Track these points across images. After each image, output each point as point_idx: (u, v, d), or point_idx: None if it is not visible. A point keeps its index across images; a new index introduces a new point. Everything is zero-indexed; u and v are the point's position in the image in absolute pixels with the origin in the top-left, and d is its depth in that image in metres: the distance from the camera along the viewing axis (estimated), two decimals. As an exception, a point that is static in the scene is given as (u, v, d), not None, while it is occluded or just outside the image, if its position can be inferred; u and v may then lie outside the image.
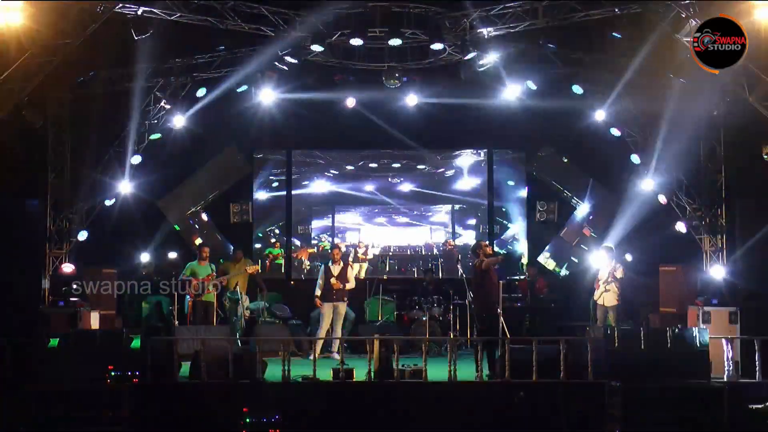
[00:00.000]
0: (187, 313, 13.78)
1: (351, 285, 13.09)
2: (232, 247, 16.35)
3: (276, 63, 13.23)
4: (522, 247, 17.29)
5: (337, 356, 11.97)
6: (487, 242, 12.40)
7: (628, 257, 15.06)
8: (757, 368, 10.47)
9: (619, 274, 13.21)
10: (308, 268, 17.13)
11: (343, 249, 14.70)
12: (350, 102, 13.64)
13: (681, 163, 14.81)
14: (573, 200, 17.39)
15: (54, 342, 10.68)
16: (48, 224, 14.04)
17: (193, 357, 10.73)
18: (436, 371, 10.77)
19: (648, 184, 15.05)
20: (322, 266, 13.41)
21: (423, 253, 17.39)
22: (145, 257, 15.88)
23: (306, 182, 17.48)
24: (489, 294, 11.13)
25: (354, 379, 10.55)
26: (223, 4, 12.46)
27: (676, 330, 10.79)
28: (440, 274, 16.57)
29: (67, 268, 13.39)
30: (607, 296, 13.27)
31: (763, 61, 11.51)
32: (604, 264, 13.41)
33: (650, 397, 9.73)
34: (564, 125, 15.82)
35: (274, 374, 10.59)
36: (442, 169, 17.56)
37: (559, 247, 17.27)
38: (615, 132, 15.12)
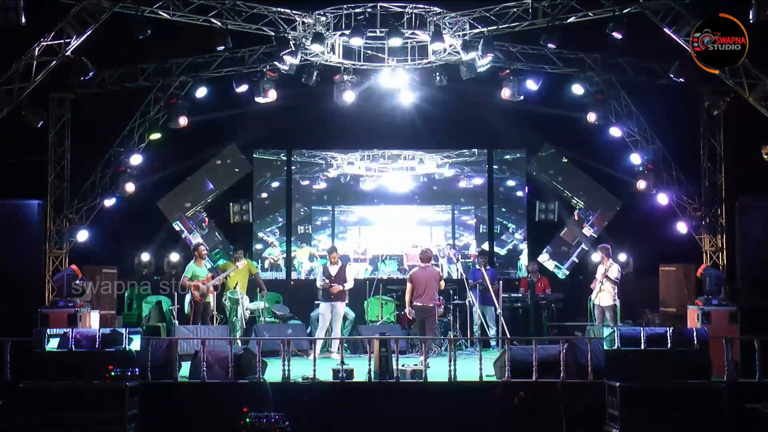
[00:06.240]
0: (187, 314, 13.76)
1: (350, 285, 13.09)
2: (232, 247, 16.35)
3: (276, 63, 13.22)
4: (522, 247, 17.29)
5: (337, 356, 11.97)
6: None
7: (623, 257, 15.05)
8: (757, 368, 10.48)
9: (612, 274, 13.21)
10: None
11: (341, 251, 14.63)
12: (348, 97, 13.59)
13: (680, 161, 14.84)
14: (573, 200, 17.38)
15: (54, 342, 10.66)
16: (48, 224, 14.01)
17: (193, 357, 10.74)
18: (436, 371, 10.78)
19: (648, 184, 15.00)
20: (321, 266, 13.40)
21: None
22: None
23: (306, 182, 17.46)
24: None
25: (354, 379, 10.56)
26: (223, 4, 12.46)
27: (676, 330, 10.79)
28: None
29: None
30: (602, 296, 13.30)
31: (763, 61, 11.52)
32: (599, 264, 13.48)
33: (650, 397, 9.72)
34: (564, 125, 15.81)
35: (274, 374, 10.60)
36: (442, 169, 17.54)
37: (559, 247, 17.26)
38: (615, 132, 15.10)
